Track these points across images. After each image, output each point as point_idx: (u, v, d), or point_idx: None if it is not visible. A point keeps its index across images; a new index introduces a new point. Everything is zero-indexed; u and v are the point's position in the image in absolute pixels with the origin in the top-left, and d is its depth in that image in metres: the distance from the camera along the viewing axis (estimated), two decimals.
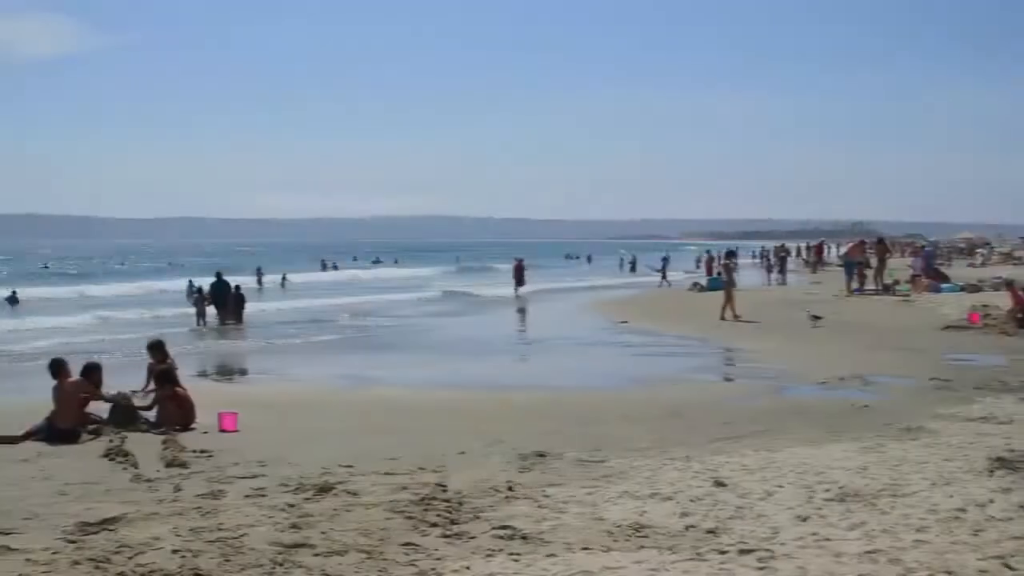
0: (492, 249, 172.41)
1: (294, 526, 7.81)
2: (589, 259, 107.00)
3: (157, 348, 16.00)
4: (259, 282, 60.68)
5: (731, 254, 34.82)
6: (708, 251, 73.91)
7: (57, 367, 13.84)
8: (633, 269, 71.61)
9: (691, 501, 8.42)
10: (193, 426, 13.77)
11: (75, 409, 13.20)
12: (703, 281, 46.67)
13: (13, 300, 45.88)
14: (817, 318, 27.73)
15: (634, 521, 7.82)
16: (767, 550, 6.98)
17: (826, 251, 73.44)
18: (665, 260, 60.72)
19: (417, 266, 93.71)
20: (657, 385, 17.51)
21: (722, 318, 29.07)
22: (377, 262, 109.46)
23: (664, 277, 54.96)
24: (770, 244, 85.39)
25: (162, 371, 14.57)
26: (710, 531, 7.51)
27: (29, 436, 12.70)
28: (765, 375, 18.50)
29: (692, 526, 7.67)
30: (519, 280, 48.80)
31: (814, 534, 7.35)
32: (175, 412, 13.88)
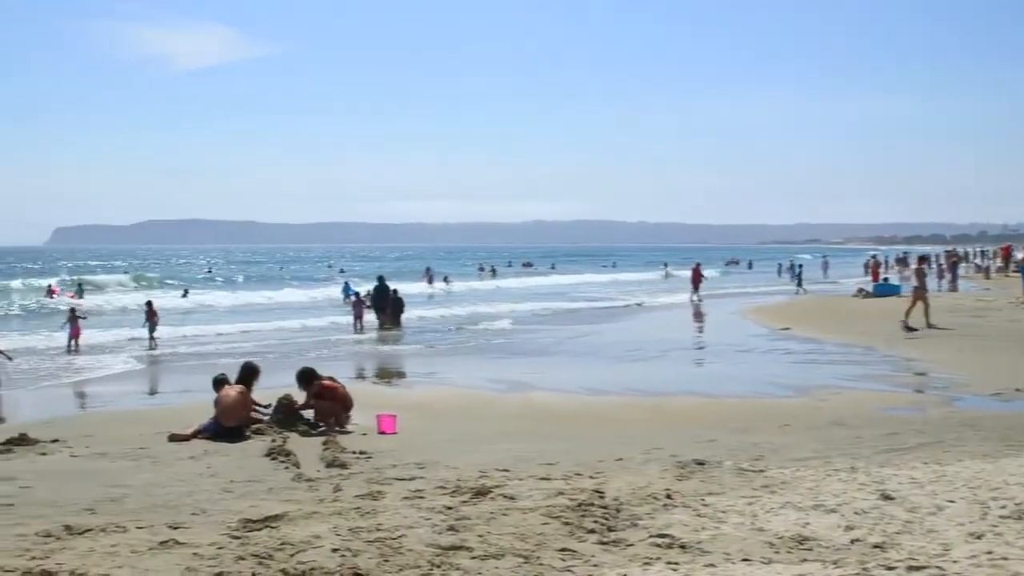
0: (647, 254, 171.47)
1: (451, 528, 7.83)
2: (750, 265, 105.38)
3: (306, 378, 14.70)
4: (430, 282, 61.64)
5: (923, 259, 33.79)
6: (874, 256, 71.87)
7: (219, 383, 14.27)
8: (792, 275, 69.88)
9: (856, 514, 8.11)
10: (352, 425, 14.03)
11: (240, 410, 13.61)
12: (869, 287, 45.37)
13: (185, 295, 51.77)
14: (911, 329, 26.59)
15: (796, 533, 7.58)
16: (938, 567, 6.66)
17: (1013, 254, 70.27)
18: (800, 266, 58.92)
19: (575, 272, 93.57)
20: (819, 393, 17.05)
21: (928, 325, 28.04)
22: (528, 265, 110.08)
23: (800, 284, 53.45)
24: (938, 249, 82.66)
25: (302, 371, 14.82)
26: (877, 546, 7.21)
27: (198, 434, 13.16)
28: (935, 385, 17.86)
29: (858, 540, 7.38)
30: (697, 284, 48.32)
31: (989, 552, 6.98)
32: (327, 406, 14.14)
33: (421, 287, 59.73)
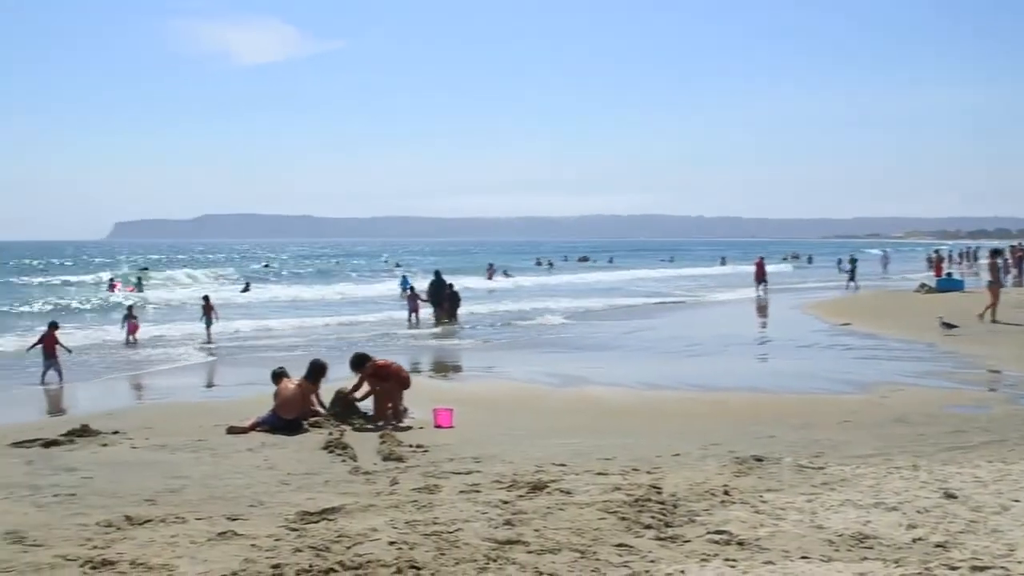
0: (706, 249, 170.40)
1: (508, 523, 7.82)
2: (810, 259, 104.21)
3: (359, 361, 14.86)
4: (490, 277, 61.69)
5: (996, 252, 33.22)
6: (936, 250, 70.78)
7: (278, 376, 14.37)
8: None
9: (918, 512, 7.99)
10: (409, 418, 14.06)
11: (298, 403, 13.69)
12: (931, 282, 44.63)
13: (246, 289, 52.43)
14: (950, 326, 26.07)
15: (857, 531, 7.48)
16: (1003, 568, 6.54)
17: None
18: (853, 261, 57.76)
19: (632, 266, 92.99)
20: (880, 390, 16.79)
21: (993, 320, 27.62)
22: (584, 260, 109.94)
23: (852, 279, 52.30)
24: (1003, 243, 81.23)
25: (355, 356, 14.85)
26: (939, 545, 7.09)
27: (256, 427, 13.26)
28: (1001, 383, 17.54)
29: (920, 539, 7.27)
30: (761, 278, 47.66)
31: None
32: (384, 387, 14.17)
33: (482, 282, 59.43)
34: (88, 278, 69.04)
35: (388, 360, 14.91)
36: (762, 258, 51.06)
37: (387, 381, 14.25)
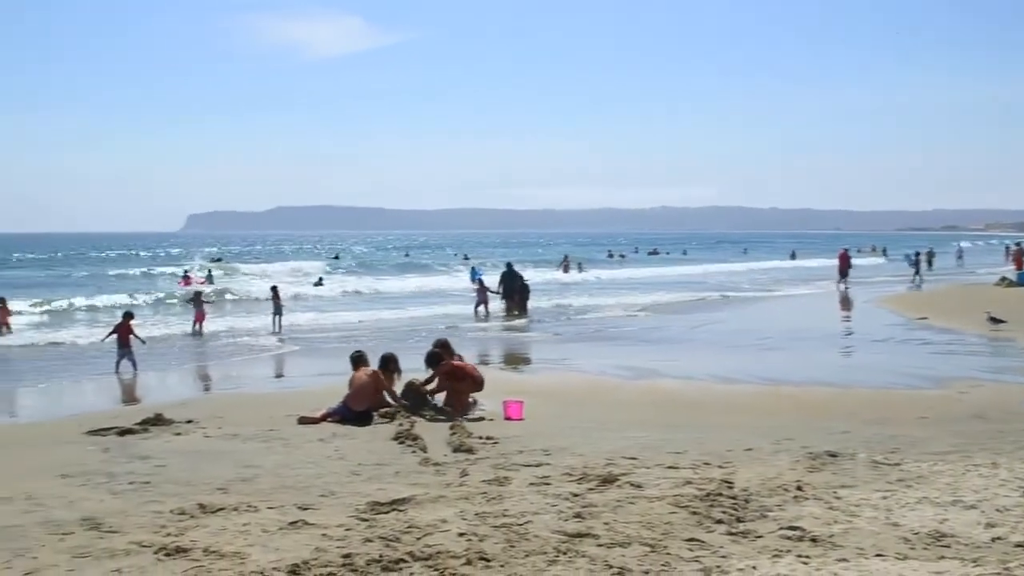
0: (781, 240, 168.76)
1: (578, 516, 7.79)
2: (885, 252, 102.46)
3: (434, 359, 14.84)
4: (566, 270, 61.48)
5: None
6: (1018, 243, 69.22)
7: (356, 360, 14.49)
8: (930, 265, 67.19)
9: (998, 511, 7.81)
10: (479, 410, 14.08)
11: (369, 394, 13.77)
12: (1012, 275, 43.63)
13: (319, 283, 51.96)
14: (997, 321, 25.34)
15: (933, 529, 7.33)
16: None
17: None
18: (918, 254, 56.18)
19: (705, 259, 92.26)
20: (958, 385, 16.47)
21: None
22: (654, 252, 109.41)
23: (917, 273, 50.67)
24: None
25: (430, 354, 14.89)
26: (1019, 545, 6.93)
27: (327, 417, 13.37)
28: None
29: (999, 538, 7.10)
30: (844, 271, 46.66)
31: None
32: (458, 387, 14.23)
33: (556, 275, 58.86)
34: (161, 270, 70.06)
35: (463, 362, 14.98)
36: (846, 250, 49.74)
37: (462, 382, 14.36)
